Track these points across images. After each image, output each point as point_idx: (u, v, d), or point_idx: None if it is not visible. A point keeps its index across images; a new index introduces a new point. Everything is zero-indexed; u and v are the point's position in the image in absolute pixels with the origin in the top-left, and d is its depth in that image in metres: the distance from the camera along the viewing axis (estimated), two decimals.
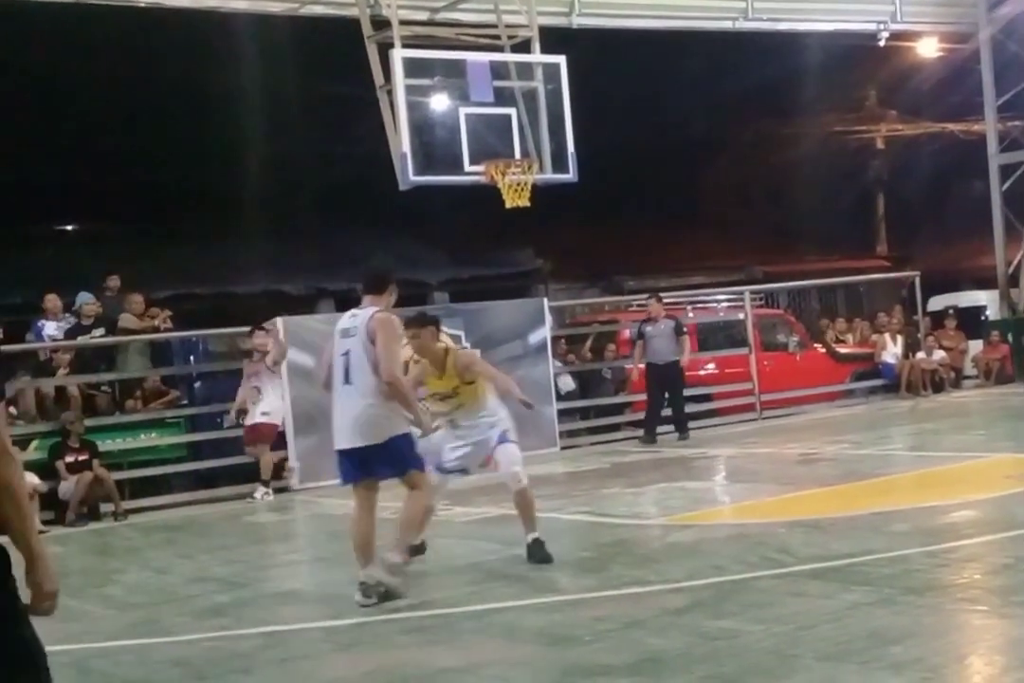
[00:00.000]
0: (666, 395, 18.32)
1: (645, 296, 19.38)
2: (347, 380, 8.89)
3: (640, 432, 18.47)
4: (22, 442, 14.89)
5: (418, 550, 9.89)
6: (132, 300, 17.23)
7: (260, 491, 15.52)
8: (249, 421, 15.74)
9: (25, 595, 3.94)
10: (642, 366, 18.45)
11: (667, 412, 18.54)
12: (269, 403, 15.78)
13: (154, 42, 20.39)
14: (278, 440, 16.17)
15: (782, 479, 13.38)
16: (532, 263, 28.66)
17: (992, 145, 24.27)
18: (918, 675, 6.13)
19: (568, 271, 29.21)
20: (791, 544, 9.53)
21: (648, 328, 18.27)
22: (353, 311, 9.20)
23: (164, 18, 17.35)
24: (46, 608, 3.98)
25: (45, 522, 14.23)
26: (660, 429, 18.30)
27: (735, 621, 7.38)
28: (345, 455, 9.01)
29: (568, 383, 19.43)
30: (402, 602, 8.69)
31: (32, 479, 14.24)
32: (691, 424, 19.33)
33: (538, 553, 9.65)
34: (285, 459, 16.07)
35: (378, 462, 8.81)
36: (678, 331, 18.19)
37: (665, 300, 22.15)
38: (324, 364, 9.27)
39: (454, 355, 9.81)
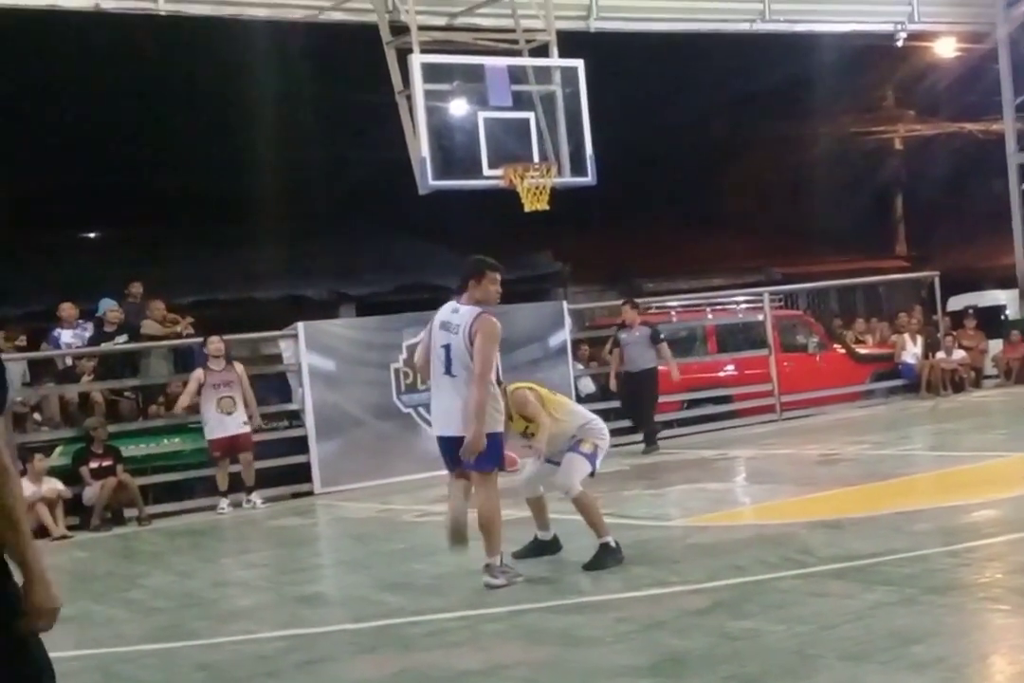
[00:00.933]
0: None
1: (620, 302, 19.00)
2: (448, 371, 9.09)
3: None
4: (46, 448, 14.98)
5: (550, 548, 10.07)
6: (154, 306, 17.32)
7: (256, 498, 15.62)
8: (226, 432, 15.47)
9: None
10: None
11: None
12: (242, 412, 15.66)
13: (175, 49, 20.48)
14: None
15: (803, 480, 13.37)
16: (551, 266, 28.65)
17: (1011, 144, 24.23)
18: (940, 675, 6.12)
19: (587, 274, 29.20)
20: (812, 544, 9.53)
21: (623, 335, 17.93)
22: (454, 305, 9.32)
23: (185, 26, 17.42)
24: (41, 626, 3.97)
25: (70, 527, 14.33)
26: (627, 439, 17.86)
27: (757, 621, 7.38)
28: (439, 442, 9.31)
29: (588, 386, 19.44)
30: (424, 605, 8.73)
31: (56, 485, 14.35)
32: (711, 425, 19.34)
33: (595, 560, 9.45)
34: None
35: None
36: (655, 339, 17.79)
37: (684, 302, 22.17)
38: (423, 351, 9.45)
39: (511, 398, 9.72)
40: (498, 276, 9.31)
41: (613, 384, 18.26)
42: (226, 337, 16.69)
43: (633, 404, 17.98)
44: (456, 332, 9.06)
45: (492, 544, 9.11)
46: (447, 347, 9.08)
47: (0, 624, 3.81)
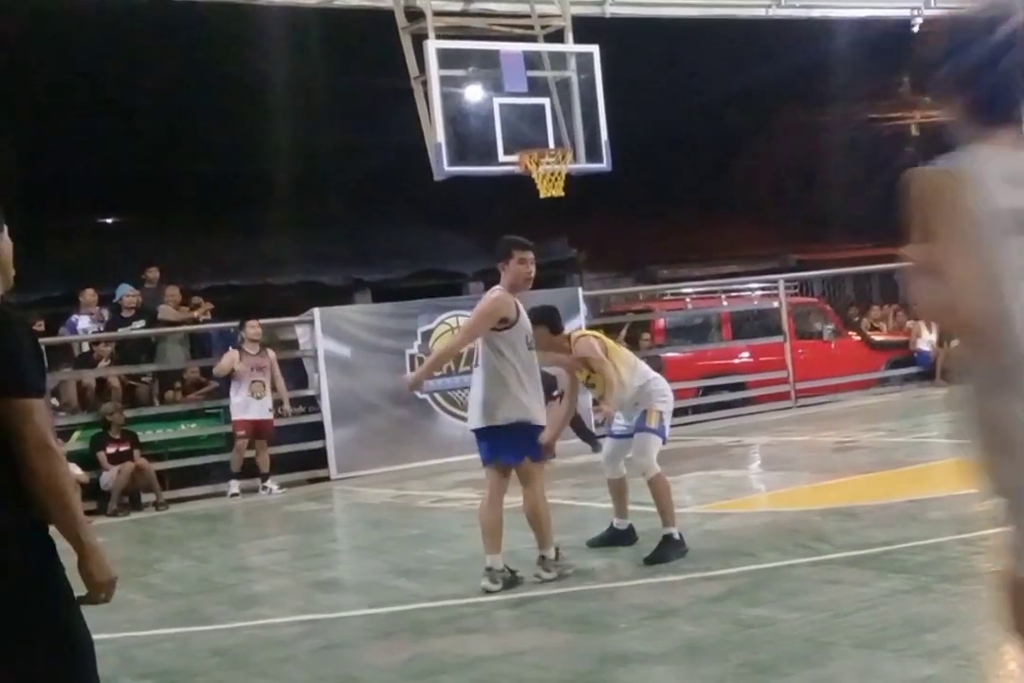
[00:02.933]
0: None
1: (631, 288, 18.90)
2: (476, 361, 8.90)
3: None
4: (64, 433, 15.04)
5: (625, 537, 9.78)
6: (169, 292, 17.38)
7: (272, 484, 15.70)
8: (251, 415, 15.61)
9: (79, 585, 4.02)
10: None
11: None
12: (269, 399, 15.81)
13: (190, 35, 20.48)
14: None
15: (817, 467, 13.37)
16: (566, 253, 28.67)
17: None
18: (953, 663, 6.14)
19: (602, 260, 29.20)
20: (826, 532, 9.55)
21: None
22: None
23: (200, 11, 17.43)
24: (102, 598, 4.05)
25: (88, 512, 14.25)
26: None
27: (770, 609, 7.40)
28: (474, 434, 8.96)
29: None
30: (439, 591, 8.76)
31: (74, 470, 14.40)
32: (726, 412, 19.33)
33: (658, 552, 9.03)
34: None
35: (496, 443, 8.73)
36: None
37: (699, 289, 22.16)
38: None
39: (574, 345, 9.49)
40: (528, 254, 8.85)
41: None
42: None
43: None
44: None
45: (542, 537, 8.78)
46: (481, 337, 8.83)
47: (44, 602, 3.87)
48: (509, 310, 8.69)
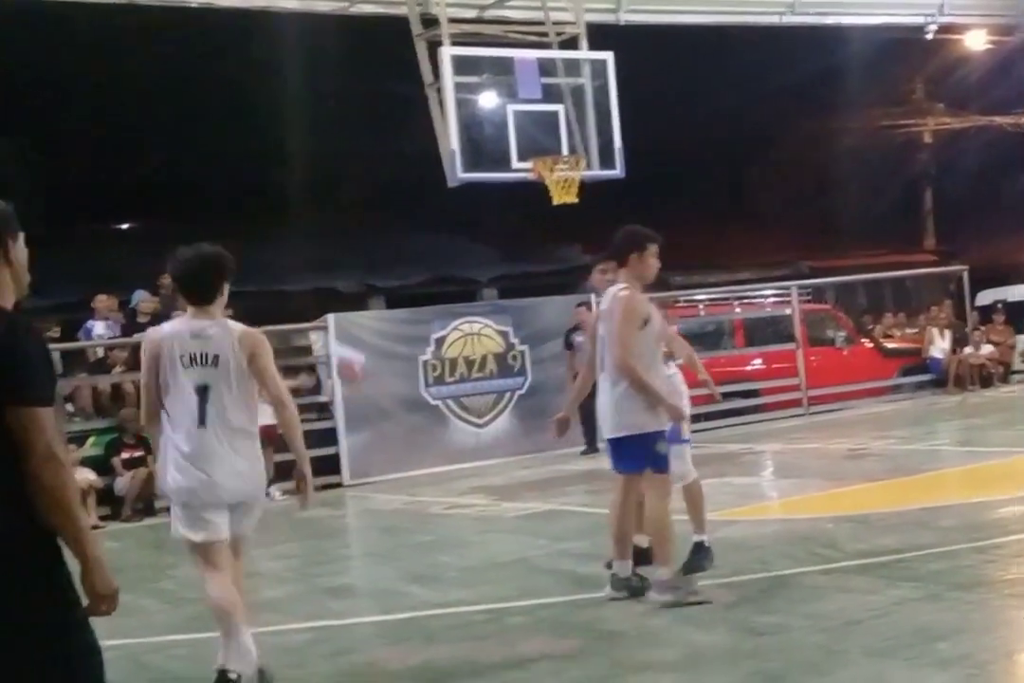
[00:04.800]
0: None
1: (576, 303, 18.24)
2: (602, 366, 8.31)
3: None
4: (79, 439, 15.07)
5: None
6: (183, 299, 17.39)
7: (274, 490, 15.54)
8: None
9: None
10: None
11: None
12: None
13: (205, 42, 20.55)
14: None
15: (829, 474, 13.35)
16: (580, 259, 28.63)
17: None
18: (965, 671, 6.13)
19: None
20: (838, 539, 9.54)
21: (578, 338, 17.13)
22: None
23: (215, 18, 17.47)
24: (103, 610, 4.05)
25: (101, 517, 14.41)
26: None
27: (782, 616, 7.41)
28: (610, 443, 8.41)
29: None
30: (450, 597, 8.77)
31: (88, 475, 14.44)
32: (738, 419, 19.32)
33: (692, 561, 8.56)
34: None
35: (619, 455, 8.27)
36: None
37: (712, 295, 22.16)
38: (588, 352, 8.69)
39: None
40: (657, 248, 8.37)
41: (571, 385, 17.75)
42: (257, 329, 16.72)
43: (590, 407, 17.73)
44: (609, 319, 8.17)
45: (661, 554, 8.06)
46: (601, 339, 8.29)
47: (51, 608, 3.89)
48: (646, 308, 8.19)
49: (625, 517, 8.21)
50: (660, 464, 8.09)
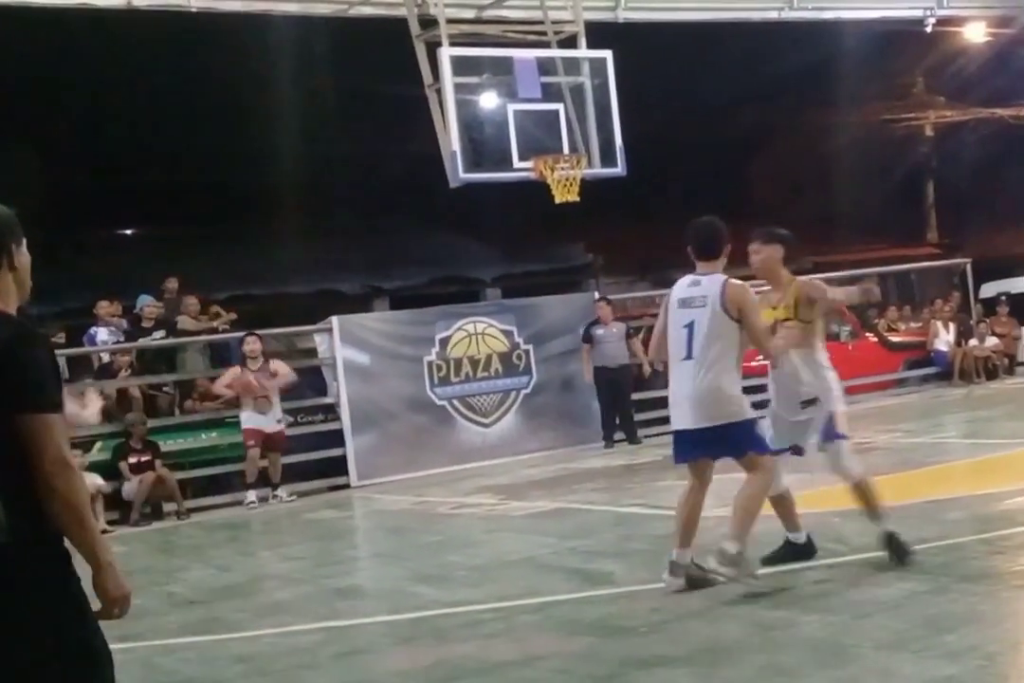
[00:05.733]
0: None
1: (596, 299, 18.97)
2: (688, 355, 8.12)
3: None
4: (86, 444, 15.10)
5: (804, 551, 8.69)
6: (188, 302, 17.46)
7: (282, 492, 15.80)
8: (259, 426, 15.65)
9: (94, 599, 4.04)
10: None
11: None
12: (277, 412, 15.93)
13: (207, 46, 20.55)
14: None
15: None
16: (583, 258, 28.72)
17: None
18: (974, 663, 6.12)
19: (618, 265, 29.22)
20: (845, 533, 9.49)
21: (599, 331, 17.87)
22: (692, 278, 8.46)
23: (216, 22, 17.48)
24: (116, 614, 4.07)
25: (110, 522, 14.46)
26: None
27: (790, 611, 7.40)
28: (680, 435, 8.31)
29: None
30: (459, 596, 8.79)
31: (96, 480, 14.46)
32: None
33: (891, 547, 8.30)
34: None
35: (715, 442, 8.14)
36: (628, 335, 18.05)
37: None
38: (657, 336, 8.55)
39: (798, 283, 8.73)
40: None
41: (589, 378, 18.00)
42: (261, 331, 16.75)
43: (610, 399, 17.94)
44: (702, 305, 8.14)
45: (740, 528, 7.98)
46: (689, 326, 8.14)
47: (60, 613, 3.90)
48: None
49: (698, 505, 8.31)
50: (763, 446, 8.27)
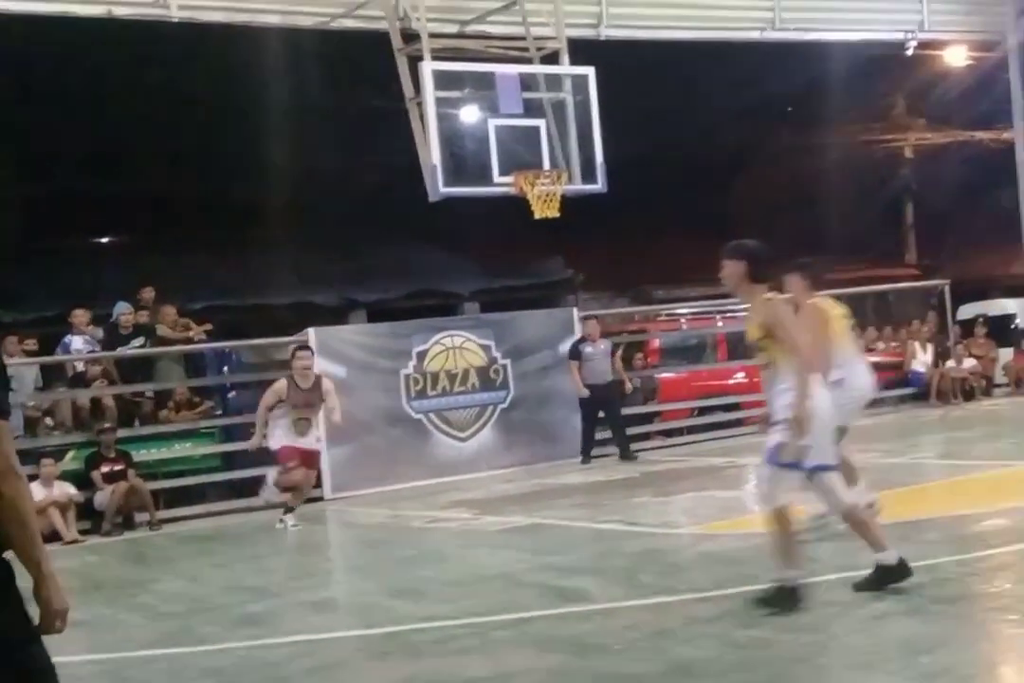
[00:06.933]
0: (601, 415, 17.98)
1: (583, 315, 18.90)
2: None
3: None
4: (58, 453, 15.03)
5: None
6: (165, 312, 17.40)
7: (289, 519, 14.29)
8: (294, 444, 14.06)
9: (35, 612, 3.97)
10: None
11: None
12: (316, 432, 14.55)
13: (187, 56, 20.50)
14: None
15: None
16: (562, 273, 28.67)
17: (1021, 153, 24.23)
18: None
19: (598, 281, 29.22)
20: (821, 553, 9.49)
21: (587, 349, 17.86)
22: None
23: (197, 33, 17.45)
24: (57, 627, 3.99)
25: (82, 531, 14.38)
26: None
27: (765, 630, 7.38)
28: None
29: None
30: (433, 611, 8.74)
31: (68, 489, 14.40)
32: (722, 433, 19.32)
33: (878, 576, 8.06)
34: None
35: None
36: (612, 351, 18.12)
37: (694, 309, 22.21)
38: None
39: (769, 304, 8.27)
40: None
41: (584, 391, 17.85)
42: (236, 342, 16.59)
43: (593, 416, 17.91)
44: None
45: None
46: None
47: (10, 624, 3.84)
48: None
49: None
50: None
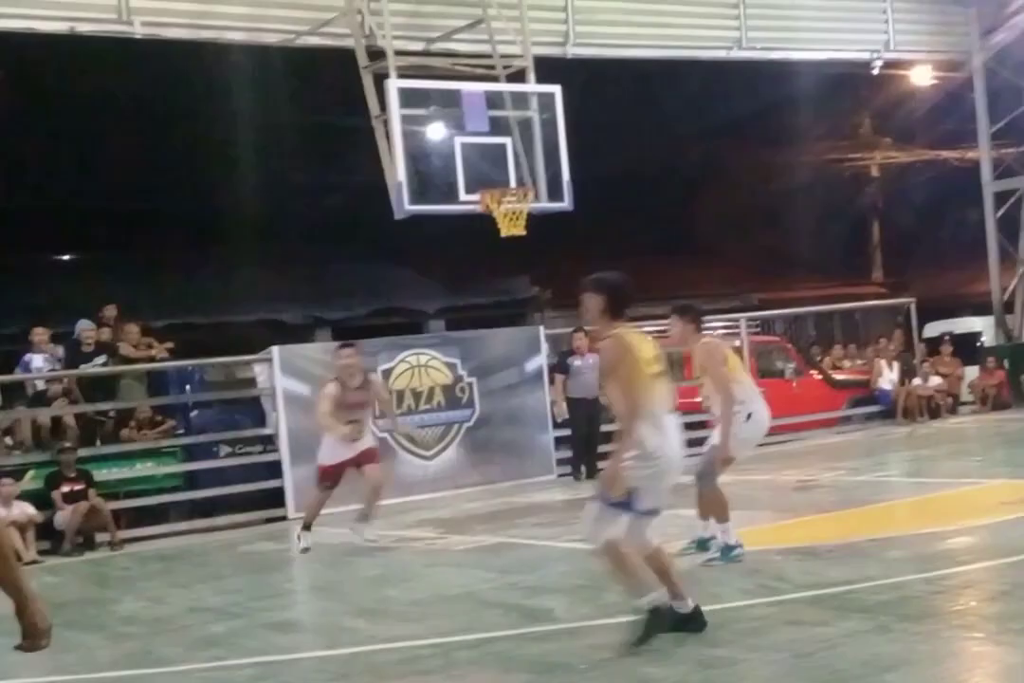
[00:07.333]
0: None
1: (572, 329, 18.64)
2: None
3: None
4: (18, 472, 14.89)
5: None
6: (128, 330, 17.27)
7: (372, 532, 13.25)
8: (342, 458, 13.04)
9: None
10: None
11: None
12: (370, 434, 13.48)
13: (152, 73, 20.42)
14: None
15: (779, 506, 13.34)
16: (528, 291, 28.65)
17: (986, 172, 24.35)
18: None
19: (564, 299, 29.17)
20: (787, 571, 9.51)
21: (576, 363, 17.80)
22: None
23: (162, 49, 17.36)
24: (43, 645, 3.95)
25: (41, 552, 14.25)
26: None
27: (731, 649, 7.35)
28: None
29: (563, 411, 19.34)
30: (397, 632, 8.65)
31: (28, 509, 14.26)
32: (687, 451, 19.25)
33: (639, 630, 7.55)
34: None
35: None
36: None
37: (661, 327, 22.13)
38: None
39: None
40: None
41: (560, 411, 17.89)
42: (197, 361, 16.44)
43: (586, 431, 17.84)
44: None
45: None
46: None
47: None
48: None
49: None
50: None
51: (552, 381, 18.13)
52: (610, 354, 7.81)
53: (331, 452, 13.10)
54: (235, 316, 24.93)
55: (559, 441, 18.53)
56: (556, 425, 18.28)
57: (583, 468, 17.64)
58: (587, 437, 17.82)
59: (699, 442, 10.47)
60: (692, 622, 7.71)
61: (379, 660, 7.96)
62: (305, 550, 13.10)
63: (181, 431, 17.06)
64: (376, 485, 13.04)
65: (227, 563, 13.39)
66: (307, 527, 13.28)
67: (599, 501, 7.63)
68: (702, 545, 10.40)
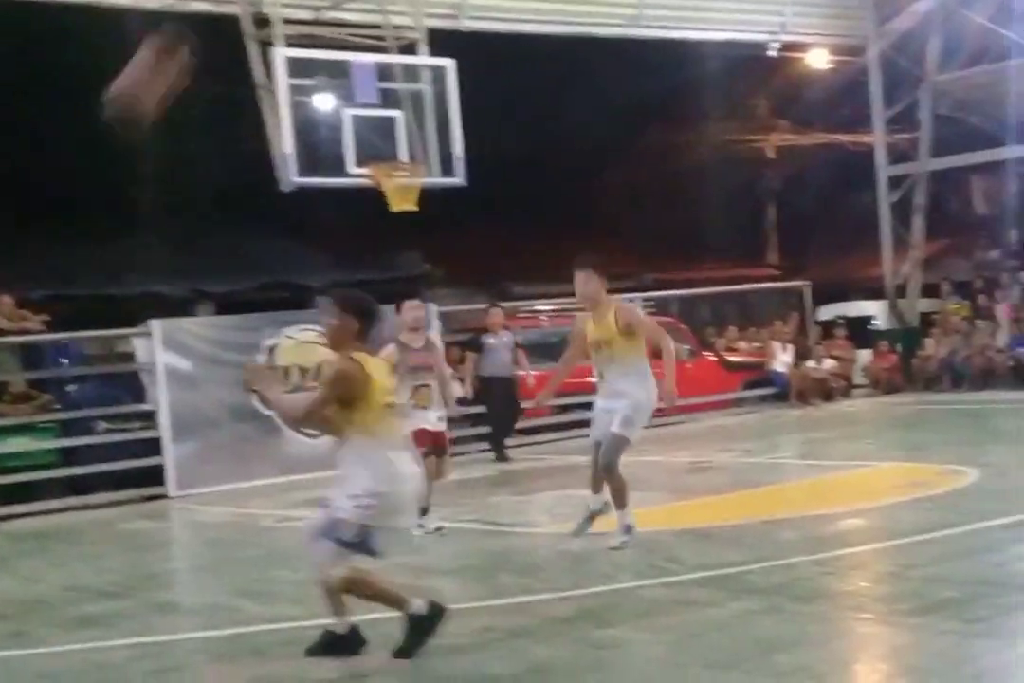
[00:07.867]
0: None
1: (485, 306, 18.40)
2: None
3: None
4: None
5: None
6: (2, 302, 16.80)
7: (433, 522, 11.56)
8: (425, 423, 11.46)
9: None
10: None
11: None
12: (439, 407, 11.81)
13: (41, 36, 19.94)
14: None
15: (672, 487, 13.30)
16: (419, 267, 28.38)
17: (880, 157, 24.52)
18: None
19: (457, 276, 29.03)
20: (680, 552, 9.50)
21: (490, 340, 17.41)
22: None
23: (50, 11, 16.89)
24: None
25: None
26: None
27: (622, 630, 7.33)
28: None
29: (456, 390, 19.11)
30: (280, 612, 8.47)
31: None
32: (582, 432, 19.18)
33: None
34: None
35: None
36: (517, 344, 17.69)
37: (555, 306, 22.04)
38: None
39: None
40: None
41: (470, 390, 17.39)
42: (74, 334, 16.02)
43: (504, 410, 17.67)
44: None
45: None
46: None
47: None
48: None
49: None
50: None
51: (462, 360, 17.76)
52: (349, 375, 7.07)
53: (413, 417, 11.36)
54: (115, 288, 24.38)
55: (450, 420, 18.16)
56: (466, 402, 17.85)
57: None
58: (504, 416, 17.64)
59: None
60: (346, 644, 7.21)
61: (262, 641, 7.83)
62: (439, 529, 11.42)
63: (57, 406, 16.61)
64: (438, 480, 11.72)
65: (105, 542, 13.07)
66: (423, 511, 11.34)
67: (330, 539, 7.08)
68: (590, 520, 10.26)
